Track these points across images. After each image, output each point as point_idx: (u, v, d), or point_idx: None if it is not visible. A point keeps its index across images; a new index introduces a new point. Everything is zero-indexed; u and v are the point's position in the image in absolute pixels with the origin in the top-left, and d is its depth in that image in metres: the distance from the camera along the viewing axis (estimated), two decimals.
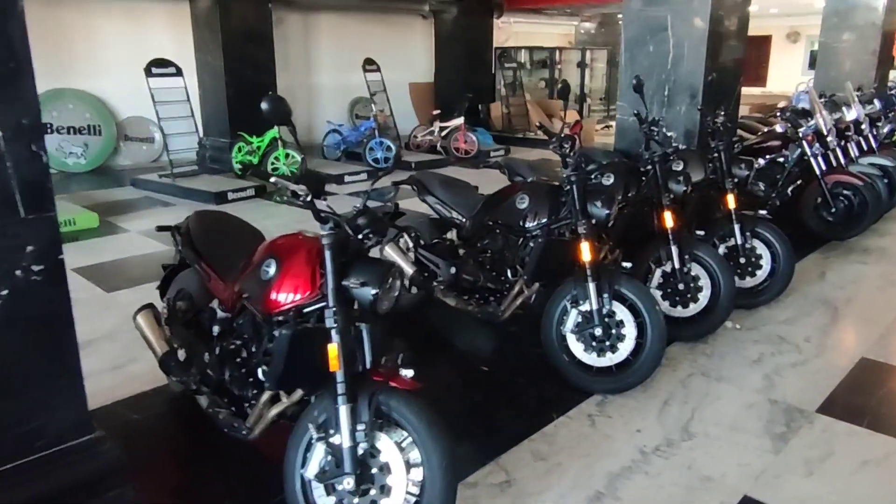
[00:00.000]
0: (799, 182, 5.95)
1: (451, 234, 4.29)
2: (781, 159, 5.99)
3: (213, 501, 2.69)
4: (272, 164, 8.60)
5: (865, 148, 6.57)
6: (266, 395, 2.50)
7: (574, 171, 3.44)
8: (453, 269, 3.97)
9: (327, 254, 2.23)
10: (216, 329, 2.80)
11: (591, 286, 3.31)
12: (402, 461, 2.20)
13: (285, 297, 2.37)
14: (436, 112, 11.70)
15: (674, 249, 3.90)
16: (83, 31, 9.80)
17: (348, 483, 2.15)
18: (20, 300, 2.03)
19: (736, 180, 4.47)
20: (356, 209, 2.39)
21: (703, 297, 3.97)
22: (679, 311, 3.99)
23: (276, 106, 2.39)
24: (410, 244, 4.31)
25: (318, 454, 2.24)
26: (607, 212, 3.46)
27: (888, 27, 8.51)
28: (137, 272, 5.25)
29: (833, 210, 5.86)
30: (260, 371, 2.56)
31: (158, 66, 8.79)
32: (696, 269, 3.97)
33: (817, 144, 5.87)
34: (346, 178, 9.13)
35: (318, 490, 2.25)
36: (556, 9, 16.43)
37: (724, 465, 2.83)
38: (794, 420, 3.16)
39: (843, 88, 7.00)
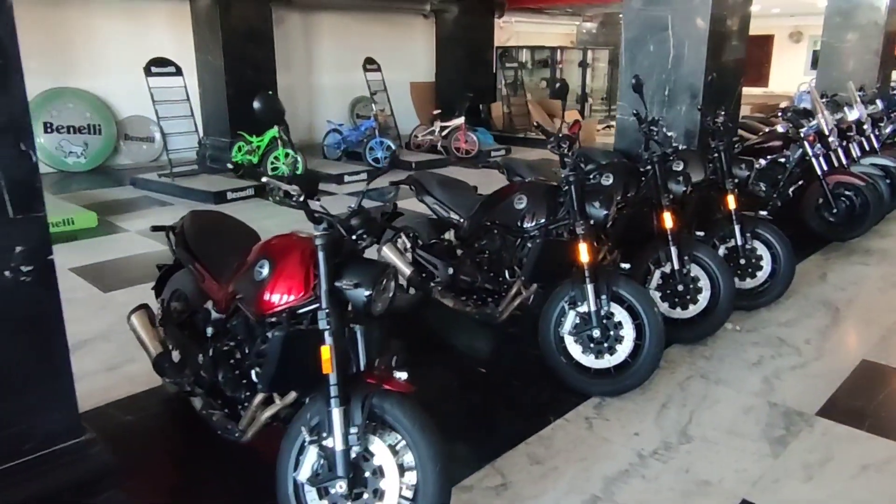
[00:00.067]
0: (800, 182, 5.92)
1: (450, 235, 4.27)
2: (783, 160, 5.97)
3: None
4: (272, 163, 8.57)
5: (867, 148, 6.53)
6: (259, 398, 2.48)
7: (572, 171, 3.41)
8: (451, 270, 3.95)
9: (320, 255, 2.21)
10: (210, 330, 2.78)
11: (590, 287, 3.29)
12: (395, 464, 2.17)
13: (278, 299, 2.35)
14: (436, 112, 11.67)
15: (673, 250, 3.87)
16: (83, 30, 9.79)
17: (341, 487, 2.13)
18: (9, 301, 2.01)
19: (736, 181, 4.44)
20: (351, 209, 2.37)
21: (703, 298, 3.94)
22: (678, 313, 3.96)
23: (268, 105, 2.39)
24: (408, 244, 4.29)
25: (311, 457, 2.21)
26: (606, 212, 3.43)
27: (891, 27, 8.46)
28: (135, 272, 5.23)
29: (834, 211, 5.83)
30: (253, 373, 2.53)
31: (158, 66, 8.77)
32: (695, 271, 3.94)
33: (819, 145, 5.84)
34: (346, 178, 9.10)
35: (310, 493, 2.23)
36: (558, 8, 16.41)
37: (722, 469, 2.80)
38: (793, 423, 3.13)
39: (845, 88, 6.96)
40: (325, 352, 2.15)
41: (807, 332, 4.15)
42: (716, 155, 4.47)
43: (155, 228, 3.27)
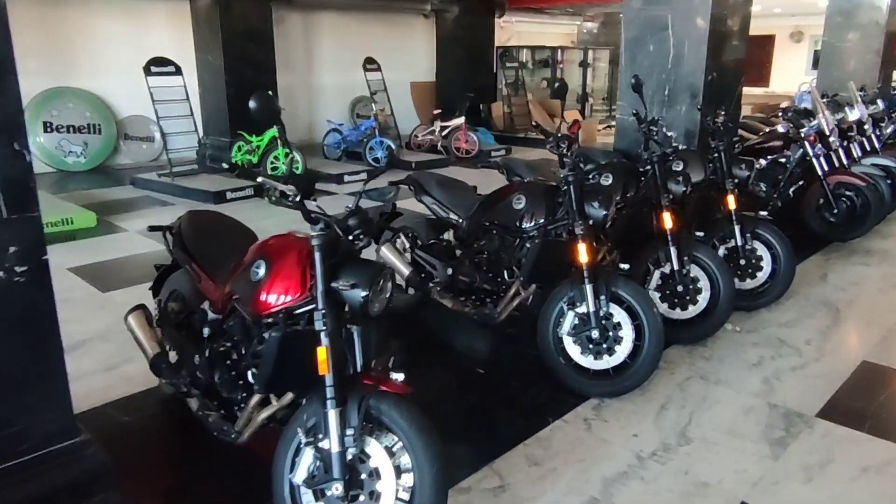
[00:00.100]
0: (801, 183, 5.91)
1: (449, 235, 4.25)
2: (783, 160, 5.95)
3: None
4: (271, 163, 8.57)
5: (868, 148, 6.52)
6: (255, 399, 2.47)
7: (571, 171, 3.39)
8: (450, 271, 3.93)
9: (317, 255, 2.19)
10: (206, 331, 2.77)
11: (588, 288, 3.27)
12: (391, 466, 2.16)
13: (275, 299, 2.33)
14: (437, 111, 11.66)
15: (673, 251, 3.85)
16: (83, 29, 9.78)
17: (337, 489, 2.11)
18: (2, 301, 2.00)
19: (736, 181, 4.42)
20: (348, 209, 2.35)
21: (703, 299, 3.92)
22: (678, 314, 3.95)
23: (263, 104, 2.36)
24: (407, 245, 4.28)
25: (307, 459, 2.20)
26: (605, 212, 3.41)
27: (892, 27, 8.44)
28: (133, 272, 5.22)
29: (835, 211, 5.81)
30: (249, 374, 2.53)
31: (157, 65, 8.76)
32: (695, 271, 3.93)
33: (819, 145, 5.82)
34: (346, 178, 9.09)
35: (306, 496, 2.21)
36: (559, 8, 16.39)
37: (721, 470, 2.78)
38: (793, 425, 3.12)
39: (846, 88, 6.94)
40: (322, 353, 2.13)
41: (807, 333, 4.14)
42: (716, 155, 4.45)
43: (152, 228, 3.26)
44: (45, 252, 2.07)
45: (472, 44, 13.09)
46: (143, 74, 8.60)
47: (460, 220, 4.02)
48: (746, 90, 5.98)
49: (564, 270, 3.38)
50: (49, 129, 9.49)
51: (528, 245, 3.63)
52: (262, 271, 2.38)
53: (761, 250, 4.45)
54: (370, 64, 11.35)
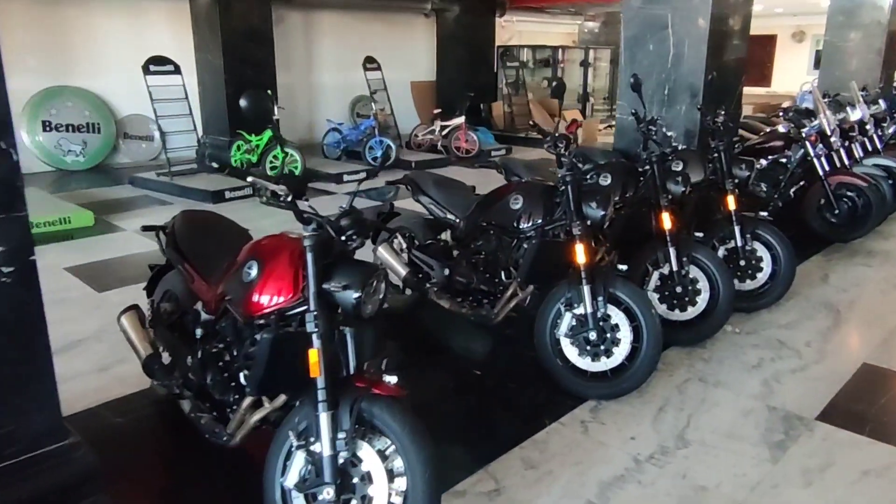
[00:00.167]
0: (802, 183, 5.87)
1: (446, 235, 4.22)
2: (784, 160, 5.92)
3: None
4: (270, 162, 8.54)
5: (870, 149, 6.47)
6: (247, 401, 2.43)
7: (569, 170, 3.36)
8: (447, 271, 3.90)
9: (309, 256, 2.16)
10: (199, 332, 2.73)
11: (586, 289, 3.24)
12: (384, 470, 2.13)
13: (267, 300, 2.30)
14: (437, 111, 11.62)
15: (672, 251, 3.82)
16: (83, 28, 9.76)
17: (328, 493, 2.08)
18: None
19: (736, 181, 4.39)
20: (342, 209, 2.32)
21: (702, 300, 3.89)
22: (677, 315, 3.91)
23: (255, 104, 2.32)
24: (404, 245, 4.25)
25: (298, 462, 2.17)
26: (602, 213, 3.38)
27: (894, 26, 8.40)
28: (130, 272, 5.19)
29: (836, 211, 5.78)
30: (241, 376, 2.49)
31: (156, 64, 8.73)
32: (694, 272, 3.89)
33: (821, 145, 5.79)
34: (346, 177, 9.06)
35: (298, 500, 2.19)
36: (560, 8, 16.34)
37: (719, 474, 2.75)
38: (792, 428, 3.08)
39: (847, 88, 6.90)
40: (313, 355, 2.11)
41: (807, 335, 4.10)
42: (716, 155, 4.42)
43: (146, 228, 3.23)
44: (33, 252, 2.05)
45: (472, 43, 13.05)
46: (142, 73, 8.57)
47: (457, 221, 3.99)
48: (748, 90, 5.95)
49: (562, 271, 3.35)
50: (48, 128, 9.47)
51: (525, 245, 3.59)
52: (254, 272, 2.35)
53: (761, 251, 4.42)
54: (370, 63, 11.32)
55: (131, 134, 10.35)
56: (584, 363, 3.33)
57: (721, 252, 4.40)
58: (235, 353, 2.54)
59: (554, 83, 14.59)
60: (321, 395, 2.09)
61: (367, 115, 11.16)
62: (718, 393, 3.41)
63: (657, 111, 5.00)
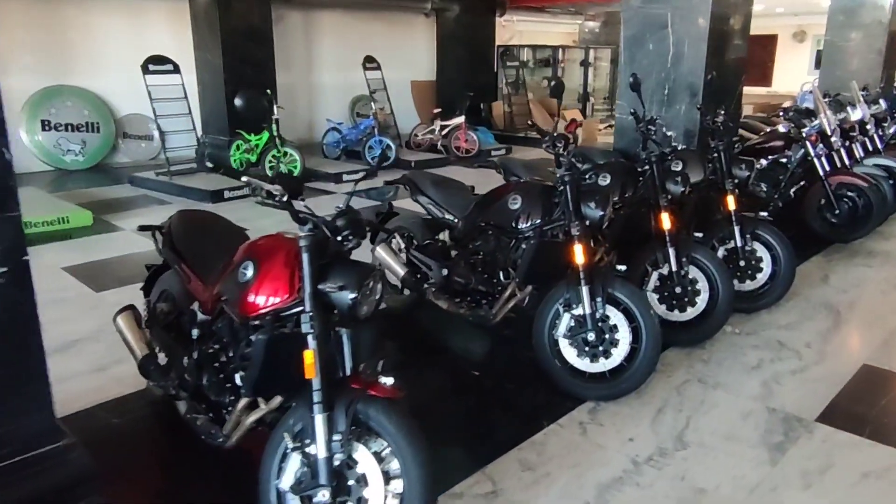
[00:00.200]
0: (802, 183, 5.85)
1: (444, 235, 4.20)
2: (784, 160, 5.90)
3: None
4: (269, 162, 8.53)
5: (870, 149, 6.45)
6: (243, 402, 2.42)
7: (567, 170, 3.34)
8: (445, 271, 3.88)
9: (304, 256, 2.15)
10: (195, 332, 2.72)
11: (584, 289, 3.22)
12: (380, 472, 2.12)
13: (263, 301, 2.29)
14: (436, 110, 11.60)
15: (671, 252, 3.80)
16: (82, 27, 9.74)
17: (324, 495, 2.07)
18: None
19: (736, 181, 4.37)
20: (338, 209, 2.30)
21: (701, 300, 3.87)
22: (676, 315, 3.90)
23: (250, 103, 2.31)
24: (402, 245, 4.24)
25: (294, 464, 2.16)
26: (601, 213, 3.37)
27: (895, 26, 8.37)
28: (128, 271, 5.17)
29: (837, 212, 5.76)
30: (237, 377, 2.48)
31: (155, 63, 8.71)
32: (693, 272, 3.88)
33: (821, 145, 5.77)
34: (345, 177, 9.04)
35: (293, 502, 2.17)
36: (560, 7, 16.32)
37: (718, 476, 2.73)
38: (792, 429, 3.07)
39: (848, 88, 6.88)
40: (309, 356, 2.09)
41: (807, 336, 4.08)
42: (715, 155, 4.40)
43: (142, 228, 3.22)
44: (26, 252, 2.03)
45: (472, 43, 13.03)
46: (141, 73, 8.55)
47: (456, 221, 3.98)
48: (748, 90, 5.93)
49: (560, 272, 3.33)
50: (47, 128, 9.45)
51: (523, 246, 3.58)
52: (249, 272, 2.33)
53: (761, 251, 4.40)
54: (370, 63, 11.30)
55: (131, 133, 10.33)
56: (583, 364, 3.31)
57: (721, 252, 4.38)
58: (231, 354, 2.52)
59: (552, 83, 14.55)
60: (316, 396, 2.08)
61: (367, 114, 11.14)
62: (717, 394, 3.39)
63: (657, 111, 4.98)
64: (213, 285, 2.60)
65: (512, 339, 3.92)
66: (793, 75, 17.79)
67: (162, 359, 2.97)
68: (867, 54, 8.45)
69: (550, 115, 13.39)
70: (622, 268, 3.71)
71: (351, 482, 2.12)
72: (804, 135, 5.73)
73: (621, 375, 3.26)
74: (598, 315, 3.25)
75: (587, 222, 3.35)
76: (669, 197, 3.87)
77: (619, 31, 5.34)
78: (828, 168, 5.75)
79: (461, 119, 11.04)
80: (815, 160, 5.68)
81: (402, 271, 3.95)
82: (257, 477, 2.22)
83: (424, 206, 4.12)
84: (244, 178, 2.27)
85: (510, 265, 3.70)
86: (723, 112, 4.55)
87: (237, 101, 2.18)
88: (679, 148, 4.41)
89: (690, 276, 3.86)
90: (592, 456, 2.87)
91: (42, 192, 7.98)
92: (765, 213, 4.50)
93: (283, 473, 2.17)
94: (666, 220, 3.79)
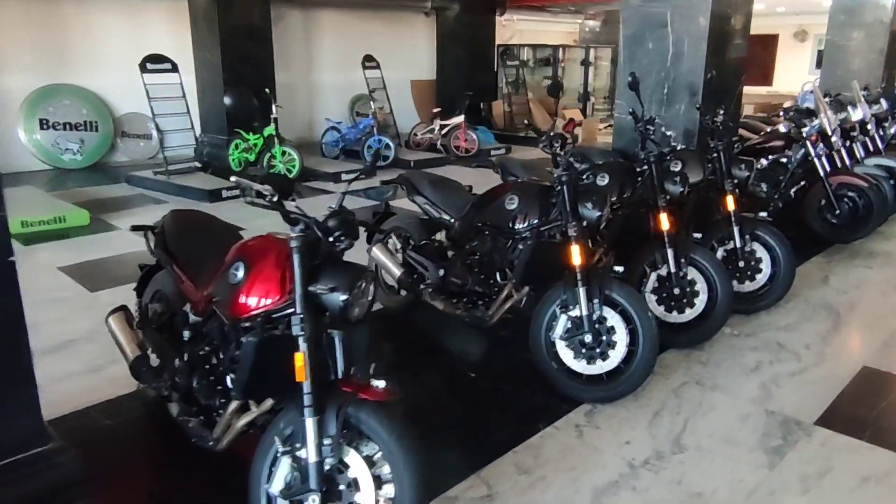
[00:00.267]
0: (802, 183, 5.82)
1: (441, 236, 4.17)
2: (785, 160, 5.87)
3: None
4: (268, 161, 8.50)
5: (871, 149, 6.41)
6: (234, 405, 2.39)
7: (565, 170, 3.31)
8: (441, 272, 3.85)
9: (295, 257, 2.12)
10: (187, 334, 2.69)
11: (581, 291, 3.19)
12: (371, 477, 2.09)
13: (254, 302, 2.26)
14: (436, 110, 11.57)
15: (669, 253, 3.77)
16: (80, 26, 9.71)
17: (314, 500, 2.04)
18: None
19: (736, 181, 4.33)
20: (331, 209, 2.27)
21: (700, 302, 3.84)
22: (674, 317, 3.87)
23: (238, 102, 2.27)
24: (399, 245, 4.21)
25: (284, 469, 2.13)
26: (599, 213, 3.33)
27: None
28: (124, 271, 5.14)
29: (837, 212, 5.73)
30: (228, 379, 2.45)
31: (153, 62, 8.68)
32: (692, 273, 3.84)
33: (821, 145, 5.74)
34: (344, 176, 9.00)
35: None
36: (560, 7, 16.27)
37: (715, 480, 2.70)
38: (790, 433, 3.03)
39: (849, 87, 6.84)
40: (299, 359, 2.06)
41: (807, 337, 4.05)
42: (715, 155, 4.36)
43: (135, 228, 3.19)
44: (12, 253, 2.00)
45: (472, 42, 13.00)
46: (139, 71, 8.53)
47: (453, 221, 3.94)
48: (749, 89, 5.91)
49: (557, 273, 3.30)
50: (45, 127, 9.42)
51: (520, 246, 3.55)
52: (240, 273, 2.30)
53: (760, 252, 4.36)
54: (369, 62, 11.27)
55: (129, 132, 10.30)
56: (580, 366, 3.28)
57: (720, 253, 4.35)
58: (222, 356, 2.49)
59: (549, 82, 14.51)
60: (307, 399, 2.05)
61: (367, 113, 11.11)
62: (716, 396, 3.36)
63: (656, 110, 4.96)
64: (205, 286, 2.57)
65: (508, 340, 3.89)
66: (794, 75, 17.74)
67: (154, 360, 2.94)
68: (868, 54, 8.41)
69: (551, 114, 13.36)
70: (620, 269, 3.67)
71: (342, 487, 2.09)
72: (804, 135, 5.69)
73: (618, 377, 3.23)
74: (595, 317, 3.22)
75: (584, 223, 3.31)
76: (668, 197, 3.83)
77: (619, 31, 5.30)
78: (828, 168, 5.71)
79: (461, 118, 11.00)
80: (816, 160, 5.64)
81: (398, 272, 3.91)
82: (248, 481, 2.19)
83: (421, 206, 4.09)
84: (233, 179, 2.23)
85: (507, 266, 3.67)
86: (722, 112, 4.51)
87: (226, 100, 2.15)
88: (678, 148, 4.37)
89: (689, 278, 3.83)
90: (588, 459, 2.84)
91: (39, 191, 7.96)
92: (764, 214, 4.47)
93: (273, 477, 2.14)
94: (664, 221, 3.76)
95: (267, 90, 8.54)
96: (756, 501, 2.58)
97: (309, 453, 2.04)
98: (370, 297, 2.24)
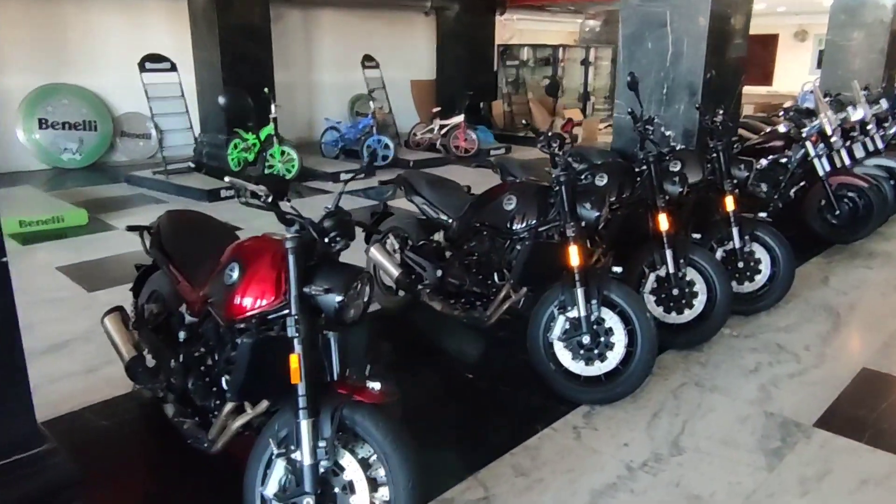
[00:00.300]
0: (802, 183, 5.80)
1: (439, 236, 4.16)
2: (784, 160, 5.85)
3: None
4: (266, 161, 8.48)
5: (871, 149, 6.37)
6: (229, 406, 2.38)
7: (563, 170, 3.30)
8: (439, 272, 3.83)
9: (291, 258, 2.10)
10: (182, 334, 2.68)
11: (579, 292, 3.17)
12: (366, 479, 2.07)
13: (249, 303, 2.24)
14: (436, 110, 11.55)
15: (668, 253, 3.75)
16: (80, 25, 9.70)
17: (308, 503, 2.02)
18: None
19: (735, 181, 4.32)
20: (327, 210, 2.26)
21: (699, 302, 3.82)
22: (673, 318, 3.85)
23: (233, 102, 2.25)
24: (397, 245, 4.19)
25: (278, 471, 2.12)
26: (597, 214, 3.31)
27: None
28: (121, 271, 5.11)
29: (837, 213, 5.71)
30: (223, 380, 2.43)
31: (152, 62, 8.67)
32: (691, 274, 3.83)
33: (822, 145, 5.71)
34: (343, 176, 8.99)
35: None
36: (560, 6, 16.25)
37: (714, 482, 2.68)
38: (790, 434, 3.02)
39: (849, 87, 6.82)
40: (294, 360, 2.05)
41: (806, 338, 4.03)
42: (714, 155, 4.34)
43: (130, 228, 3.17)
44: (5, 253, 1.98)
45: (472, 42, 12.98)
46: (138, 71, 8.51)
47: (450, 221, 3.93)
48: (749, 89, 5.90)
49: (555, 273, 3.28)
50: (44, 126, 9.41)
51: (518, 247, 3.53)
52: (235, 274, 2.29)
53: (760, 253, 4.35)
54: (368, 61, 11.25)
55: (128, 132, 10.29)
56: (578, 367, 3.27)
57: (719, 254, 4.33)
58: (217, 358, 2.48)
59: (547, 81, 14.49)
60: (301, 402, 2.03)
61: (367, 113, 11.09)
62: (714, 398, 3.34)
63: (655, 110, 4.94)
64: (201, 287, 2.56)
65: (506, 341, 3.88)
66: (794, 75, 17.71)
67: (150, 361, 2.93)
68: (869, 54, 8.39)
69: (551, 114, 13.34)
70: (618, 269, 3.65)
71: (336, 490, 2.07)
72: (804, 135, 5.68)
73: (617, 379, 3.22)
74: (593, 318, 3.20)
75: (583, 223, 3.30)
76: (667, 197, 3.82)
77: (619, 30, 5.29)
78: (828, 168, 5.69)
79: (460, 118, 10.98)
80: (816, 160, 5.63)
81: (396, 272, 3.90)
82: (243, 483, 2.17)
83: (419, 206, 4.07)
84: (227, 179, 2.22)
85: (505, 266, 3.66)
86: (722, 112, 4.49)
87: (220, 100, 2.13)
88: (677, 148, 4.36)
89: (688, 278, 3.82)
90: (586, 461, 2.82)
91: (38, 191, 7.94)
92: (764, 214, 4.45)
93: (267, 480, 2.12)
94: (663, 221, 3.74)
95: (266, 90, 8.52)
96: (755, 503, 2.57)
97: (304, 456, 2.02)
98: (366, 299, 2.23)
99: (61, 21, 9.50)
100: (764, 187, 5.32)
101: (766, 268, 4.34)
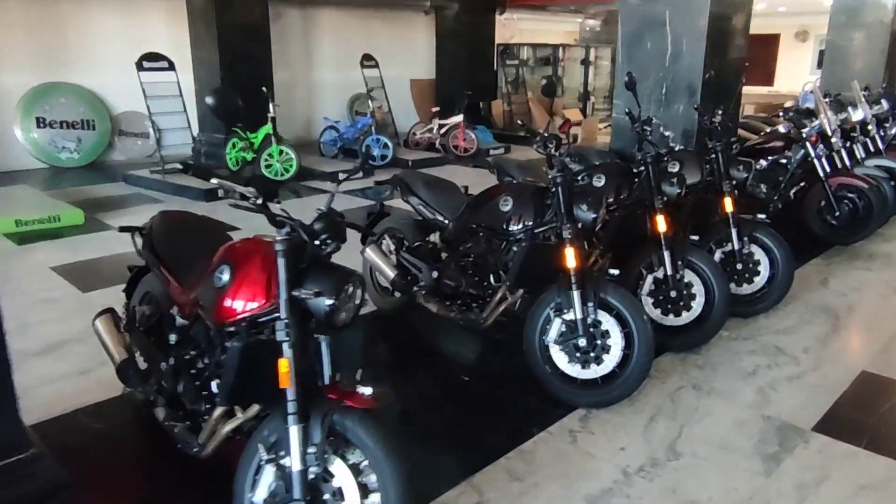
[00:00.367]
0: (802, 184, 5.76)
1: (435, 237, 4.12)
2: (784, 161, 5.81)
3: None
4: (265, 160, 8.45)
5: (872, 149, 6.35)
6: (219, 410, 2.35)
7: (560, 171, 3.26)
8: (435, 274, 3.80)
9: (280, 261, 2.07)
10: (173, 337, 2.65)
11: (576, 294, 3.14)
12: (356, 486, 2.04)
13: (239, 306, 2.21)
14: (435, 109, 11.52)
15: (666, 255, 3.72)
16: (78, 24, 9.67)
17: None
18: None
19: (734, 182, 4.28)
20: (319, 211, 2.22)
21: (697, 305, 3.79)
22: (671, 320, 3.81)
23: (223, 101, 2.22)
24: (392, 246, 4.16)
25: (268, 477, 2.08)
26: (594, 215, 3.28)
27: None
28: (116, 272, 5.06)
29: (837, 214, 5.67)
30: (213, 384, 2.40)
31: (150, 61, 8.64)
32: (689, 276, 3.79)
33: (821, 145, 5.68)
34: (341, 176, 8.93)
35: None
36: (561, 6, 16.21)
37: (710, 488, 2.65)
38: (787, 439, 2.98)
39: (850, 88, 6.79)
40: (283, 365, 2.01)
41: (805, 341, 4.00)
42: (713, 156, 4.31)
43: (123, 229, 3.14)
44: None
45: (472, 41, 12.95)
46: (136, 69, 8.48)
47: (447, 222, 3.90)
48: (750, 90, 5.87)
49: (552, 275, 3.25)
50: (42, 125, 9.38)
51: (514, 248, 3.50)
52: (225, 276, 2.26)
53: (759, 254, 4.31)
54: (367, 60, 11.22)
55: (126, 131, 10.26)
56: (574, 370, 3.23)
57: (717, 255, 4.30)
58: (207, 361, 2.45)
59: (544, 81, 14.43)
60: (291, 407, 2.00)
61: (366, 112, 11.05)
62: (712, 401, 3.31)
63: (654, 110, 4.91)
64: (192, 289, 2.52)
65: (503, 343, 3.85)
66: (795, 75, 17.68)
67: (142, 363, 2.90)
68: (869, 54, 8.36)
69: (551, 114, 13.30)
70: (615, 271, 3.62)
71: (326, 496, 2.04)
72: (804, 135, 5.64)
73: (613, 382, 3.18)
74: (589, 320, 3.17)
75: (579, 225, 3.27)
76: (665, 199, 3.78)
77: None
78: (828, 169, 5.66)
79: (460, 118, 10.95)
80: (816, 161, 5.59)
81: (391, 273, 3.87)
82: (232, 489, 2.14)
83: (415, 206, 4.04)
84: (214, 181, 2.18)
85: (501, 268, 3.63)
86: (721, 112, 4.46)
87: (208, 100, 2.08)
88: (676, 148, 4.33)
89: (686, 280, 3.78)
90: (582, 466, 2.79)
91: (35, 190, 7.92)
92: (763, 216, 4.41)
93: (257, 486, 2.09)
94: (661, 223, 3.71)
95: (264, 89, 8.49)
96: None
97: (293, 462, 1.99)
98: (357, 302, 2.19)
99: (59, 20, 9.47)
100: (763, 188, 5.29)
101: (764, 269, 4.31)
